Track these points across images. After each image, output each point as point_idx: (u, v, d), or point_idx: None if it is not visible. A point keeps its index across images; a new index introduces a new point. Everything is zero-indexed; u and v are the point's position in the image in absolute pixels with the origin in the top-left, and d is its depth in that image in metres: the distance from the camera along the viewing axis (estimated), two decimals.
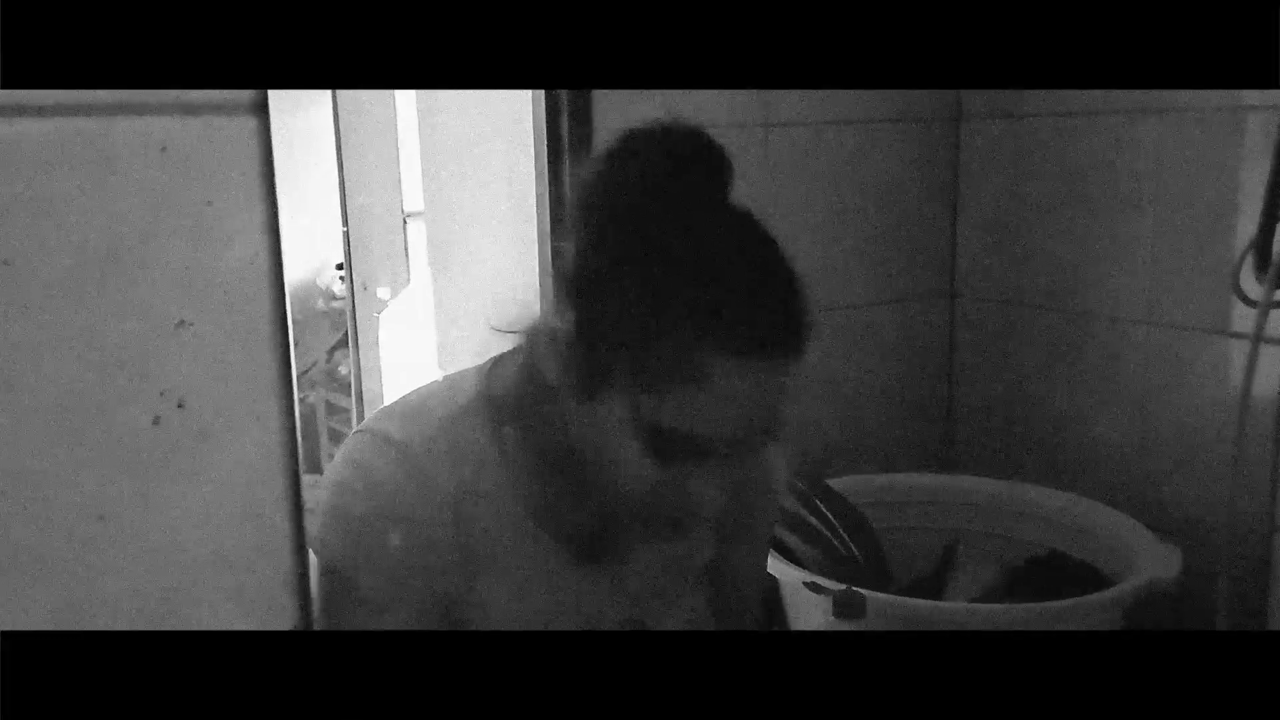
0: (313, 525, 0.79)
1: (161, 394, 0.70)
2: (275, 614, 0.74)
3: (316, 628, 0.81)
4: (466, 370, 0.88)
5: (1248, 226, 1.36)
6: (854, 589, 1.29)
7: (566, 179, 1.49)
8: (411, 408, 0.85)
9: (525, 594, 0.84)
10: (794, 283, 0.76)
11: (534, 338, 0.81)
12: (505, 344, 0.86)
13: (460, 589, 0.82)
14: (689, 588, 0.88)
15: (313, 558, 0.81)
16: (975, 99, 1.86)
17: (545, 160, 1.54)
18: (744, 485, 0.82)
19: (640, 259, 0.74)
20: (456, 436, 0.82)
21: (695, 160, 0.77)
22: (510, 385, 0.84)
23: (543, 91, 1.53)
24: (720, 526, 0.85)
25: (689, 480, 0.75)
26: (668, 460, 0.74)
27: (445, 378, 0.88)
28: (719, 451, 0.74)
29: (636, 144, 0.78)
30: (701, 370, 0.70)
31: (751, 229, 0.77)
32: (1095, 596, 1.33)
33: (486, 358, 0.88)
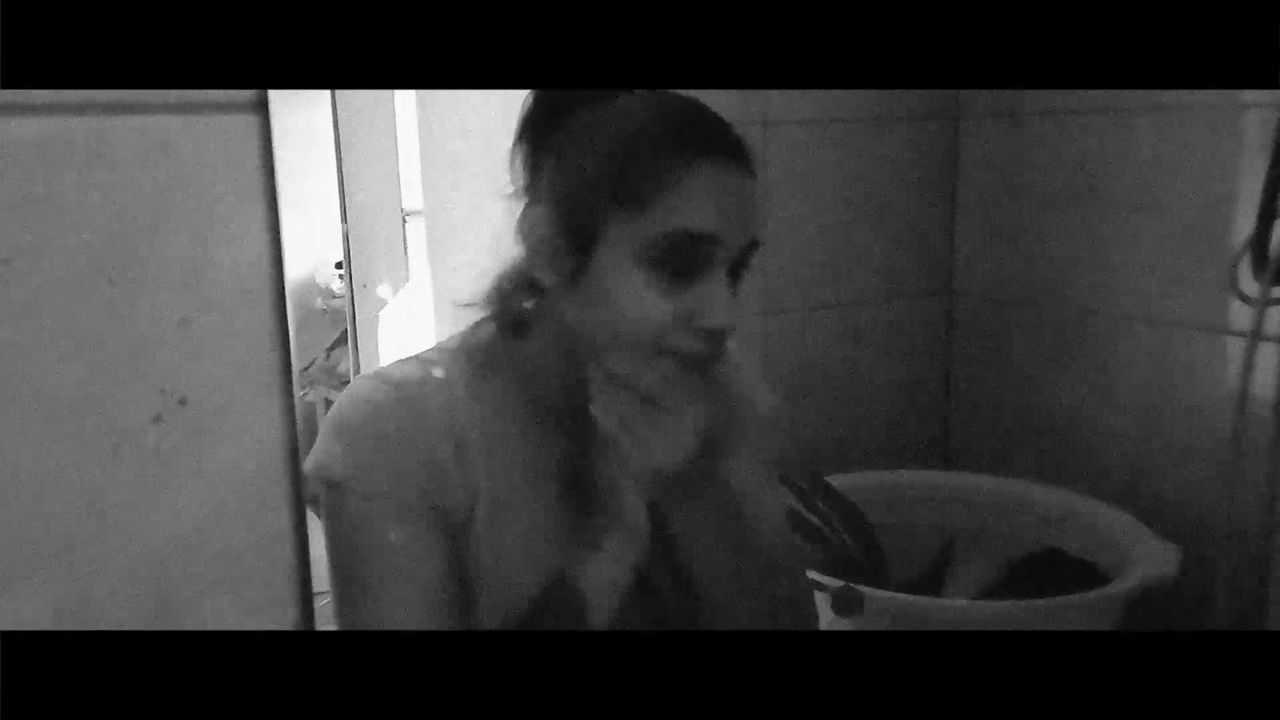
0: (310, 458, 0.81)
1: (163, 391, 0.70)
2: (277, 612, 0.75)
3: (329, 564, 0.83)
4: (445, 340, 0.91)
5: (1245, 224, 1.36)
6: (852, 585, 1.29)
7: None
8: (405, 359, 0.90)
9: (529, 543, 0.85)
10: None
11: (514, 269, 0.86)
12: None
13: (463, 515, 0.84)
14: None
15: (320, 546, 0.82)
16: (975, 99, 1.86)
17: None
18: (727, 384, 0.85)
19: (598, 118, 0.81)
20: (450, 382, 0.86)
21: None
22: (490, 337, 0.88)
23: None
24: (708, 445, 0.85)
25: (700, 298, 0.79)
26: (675, 275, 0.78)
27: (423, 352, 0.91)
28: (717, 256, 0.79)
29: None
30: (679, 171, 0.77)
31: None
32: (1093, 594, 1.33)
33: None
